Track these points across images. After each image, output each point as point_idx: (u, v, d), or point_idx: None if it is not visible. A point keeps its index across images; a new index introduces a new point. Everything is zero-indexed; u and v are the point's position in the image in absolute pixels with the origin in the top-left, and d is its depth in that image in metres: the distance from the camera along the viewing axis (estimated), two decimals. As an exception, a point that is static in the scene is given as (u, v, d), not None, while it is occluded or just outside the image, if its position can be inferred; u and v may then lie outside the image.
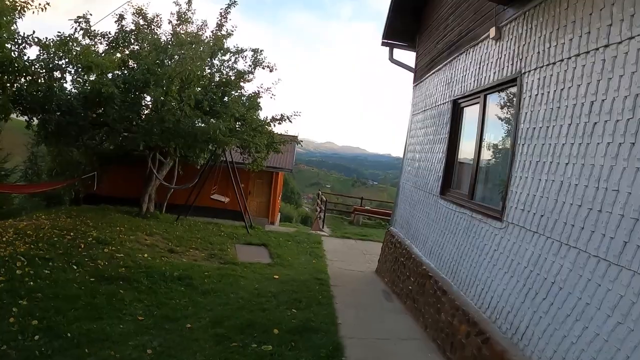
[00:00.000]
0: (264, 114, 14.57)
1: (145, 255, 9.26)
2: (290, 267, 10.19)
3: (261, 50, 14.63)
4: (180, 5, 14.14)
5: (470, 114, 6.17)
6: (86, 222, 11.30)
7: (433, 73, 7.84)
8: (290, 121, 14.21)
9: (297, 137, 17.99)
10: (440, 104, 7.23)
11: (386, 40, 9.97)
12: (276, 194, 19.86)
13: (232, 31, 14.41)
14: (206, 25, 14.50)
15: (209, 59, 13.65)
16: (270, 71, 14.61)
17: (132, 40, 13.05)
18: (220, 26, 14.34)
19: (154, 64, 11.85)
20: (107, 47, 12.59)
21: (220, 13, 14.21)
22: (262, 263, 10.27)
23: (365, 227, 19.20)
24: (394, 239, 8.97)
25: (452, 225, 5.91)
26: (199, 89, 12.64)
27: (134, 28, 13.23)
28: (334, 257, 11.76)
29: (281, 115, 14.34)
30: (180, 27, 14.14)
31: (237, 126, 13.74)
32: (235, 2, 13.87)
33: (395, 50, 10.05)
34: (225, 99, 13.82)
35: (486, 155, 5.50)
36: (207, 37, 14.17)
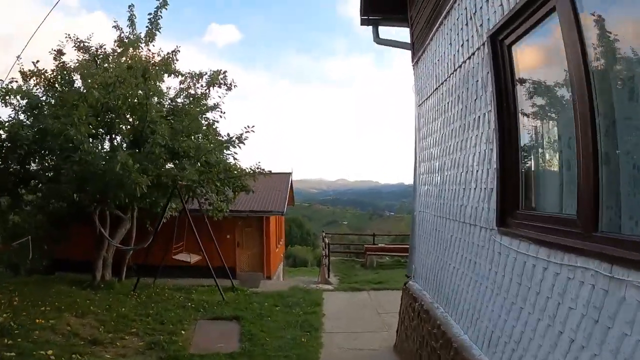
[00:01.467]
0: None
1: (50, 352, 6.23)
2: (264, 356, 6.80)
3: (224, 72, 11.86)
4: (121, 29, 11.44)
5: (534, 51, 2.98)
6: (11, 298, 8.68)
7: (443, 19, 4.67)
8: (243, 142, 11.02)
9: (269, 171, 14.37)
10: (465, 61, 4.02)
11: (367, 17, 7.17)
12: (269, 243, 16.48)
13: (178, 50, 11.60)
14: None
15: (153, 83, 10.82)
16: (228, 89, 11.69)
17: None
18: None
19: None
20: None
21: (150, 19, 11.28)
22: (223, 354, 6.88)
23: (381, 270, 15.71)
24: (416, 304, 5.61)
25: (543, 296, 2.58)
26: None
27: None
28: (335, 326, 8.37)
29: (228, 135, 11.36)
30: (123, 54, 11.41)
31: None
32: (166, 3, 10.98)
33: (381, 28, 7.33)
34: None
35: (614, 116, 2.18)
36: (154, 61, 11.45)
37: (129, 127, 11.38)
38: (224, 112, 12.11)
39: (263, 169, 11.81)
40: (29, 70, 10.86)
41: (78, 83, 11.23)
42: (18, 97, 10.45)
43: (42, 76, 11.06)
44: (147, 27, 11.21)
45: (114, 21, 11.45)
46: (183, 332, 7.97)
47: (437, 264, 4.97)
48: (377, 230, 28.91)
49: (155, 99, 11.19)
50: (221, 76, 11.80)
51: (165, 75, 11.56)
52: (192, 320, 8.79)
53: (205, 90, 11.76)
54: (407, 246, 18.48)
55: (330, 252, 20.59)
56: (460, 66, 4.17)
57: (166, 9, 11.04)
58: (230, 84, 11.71)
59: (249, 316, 8.95)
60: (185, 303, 10.11)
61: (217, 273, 14.57)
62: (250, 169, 11.65)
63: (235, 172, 11.24)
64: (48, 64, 11.14)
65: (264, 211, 15.69)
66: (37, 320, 7.44)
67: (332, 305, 10.02)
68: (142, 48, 11.41)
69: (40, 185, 11.20)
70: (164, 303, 10.02)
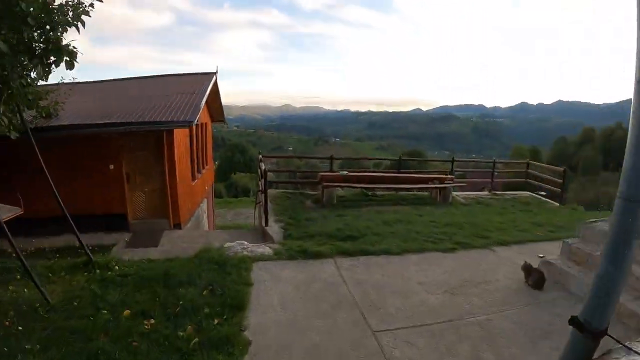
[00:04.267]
0: None
1: None
2: None
3: None
4: None
5: None
6: None
7: None
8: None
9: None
10: None
11: None
12: (176, 173, 10.65)
13: None
14: None
15: None
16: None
17: None
18: None
19: None
20: None
21: None
22: None
23: (346, 211, 10.56)
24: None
25: None
26: None
27: None
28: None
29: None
30: None
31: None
32: None
33: None
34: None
35: None
36: None
37: None
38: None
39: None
40: None
41: None
42: None
43: None
44: None
45: None
46: None
47: None
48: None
49: None
50: None
51: None
52: None
53: None
54: (396, 174, 13.39)
55: (273, 183, 15.25)
56: None
57: None
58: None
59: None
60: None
61: (95, 224, 9.65)
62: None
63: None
64: None
65: (162, 122, 9.70)
66: None
67: (270, 308, 4.77)
68: None
69: None
70: None
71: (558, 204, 13.39)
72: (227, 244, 7.36)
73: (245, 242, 7.50)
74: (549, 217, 10.50)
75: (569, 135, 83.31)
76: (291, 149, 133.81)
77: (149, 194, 10.69)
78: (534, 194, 14.79)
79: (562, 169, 14.34)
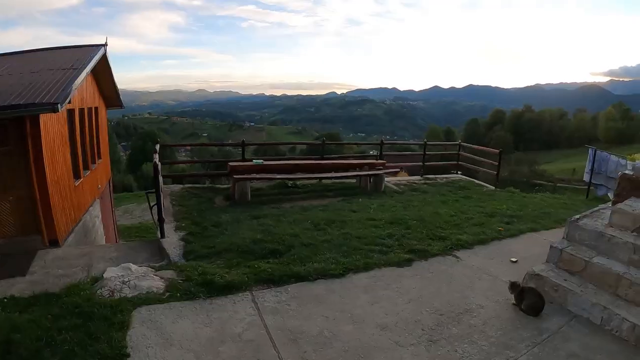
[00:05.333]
0: None
1: None
2: None
3: None
4: None
5: None
6: None
7: None
8: None
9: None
10: None
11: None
12: (44, 173, 7.81)
13: None
14: None
15: None
16: None
17: None
18: None
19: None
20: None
21: None
22: None
23: (263, 208, 8.59)
24: None
25: None
26: None
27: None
28: None
29: None
30: None
31: None
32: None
33: None
34: None
35: None
36: None
37: None
38: None
39: None
40: None
41: None
42: None
43: None
44: None
45: None
46: None
47: None
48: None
49: None
50: None
51: None
52: None
53: None
54: (320, 161, 11.45)
55: (172, 177, 12.80)
56: None
57: None
58: None
59: None
60: None
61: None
62: None
63: None
64: None
65: (11, 107, 6.97)
66: None
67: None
68: None
69: None
70: None
71: (494, 187, 12.53)
72: (108, 271, 5.08)
73: (132, 267, 5.24)
74: (494, 204, 9.33)
75: (480, 117, 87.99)
76: (206, 135, 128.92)
77: (14, 203, 7.87)
78: (467, 177, 13.91)
79: (497, 150, 13.48)
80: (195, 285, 4.54)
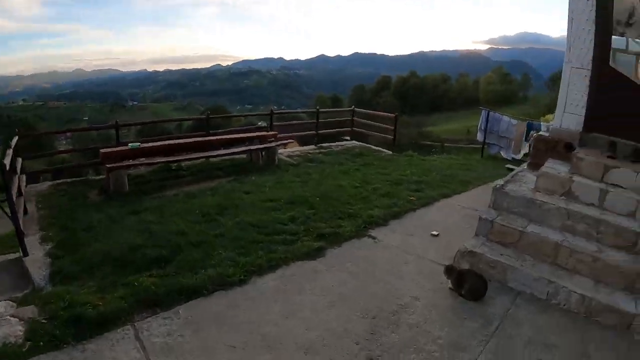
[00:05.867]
0: None
1: None
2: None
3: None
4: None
5: None
6: None
7: None
8: None
9: None
10: None
11: None
12: None
13: None
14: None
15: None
16: None
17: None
18: None
19: None
20: None
21: None
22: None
23: (144, 197, 7.23)
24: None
25: None
26: None
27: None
28: None
29: None
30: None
31: None
32: None
33: None
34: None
35: None
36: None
37: None
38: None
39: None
40: None
41: None
42: None
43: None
44: None
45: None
46: None
47: None
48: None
49: None
50: None
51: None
52: None
53: None
54: (205, 138, 10.05)
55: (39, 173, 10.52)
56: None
57: None
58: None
59: None
60: None
61: None
62: None
63: None
64: None
65: None
66: None
67: None
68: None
69: None
70: None
71: (391, 152, 12.21)
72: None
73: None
74: (397, 171, 8.89)
75: (366, 84, 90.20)
76: (87, 119, 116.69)
77: None
78: (362, 144, 13.46)
79: (393, 115, 13.17)
80: (62, 326, 3.18)
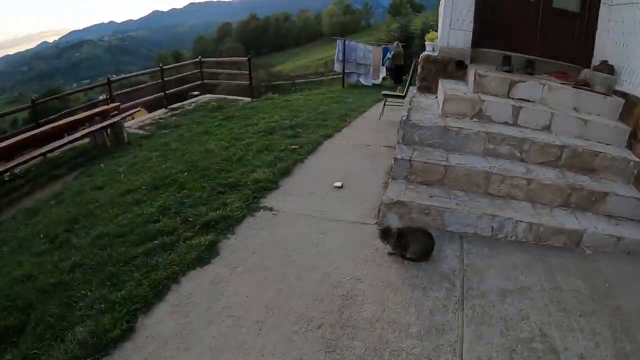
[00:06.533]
0: None
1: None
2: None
3: None
4: None
5: None
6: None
7: None
8: None
9: None
10: None
11: None
12: None
13: None
14: None
15: None
16: None
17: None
18: None
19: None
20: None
21: None
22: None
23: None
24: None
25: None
26: None
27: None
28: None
29: None
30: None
31: None
32: None
33: None
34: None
35: None
36: None
37: None
38: None
39: None
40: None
41: None
42: None
43: None
44: None
45: None
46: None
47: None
48: None
49: None
50: None
51: None
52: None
53: None
54: (35, 131, 7.91)
55: None
56: None
57: None
58: None
59: None
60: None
61: None
62: None
63: None
64: None
65: None
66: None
67: None
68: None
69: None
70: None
71: (250, 99, 11.18)
72: None
73: None
74: (264, 118, 7.94)
75: (207, 34, 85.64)
76: None
77: None
78: (216, 95, 12.19)
79: (246, 58, 11.96)
80: None
